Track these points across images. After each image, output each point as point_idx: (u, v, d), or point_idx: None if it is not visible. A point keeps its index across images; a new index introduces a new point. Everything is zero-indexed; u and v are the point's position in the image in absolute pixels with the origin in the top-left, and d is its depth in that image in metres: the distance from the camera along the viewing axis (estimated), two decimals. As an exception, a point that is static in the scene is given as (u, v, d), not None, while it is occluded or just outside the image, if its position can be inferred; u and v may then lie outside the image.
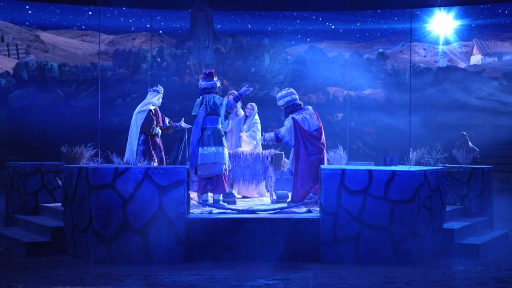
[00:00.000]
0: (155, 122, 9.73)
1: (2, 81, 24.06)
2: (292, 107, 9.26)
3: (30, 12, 25.65)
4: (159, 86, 10.05)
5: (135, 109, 10.03)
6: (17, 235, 8.28)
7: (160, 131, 9.88)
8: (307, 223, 7.37)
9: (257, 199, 10.01)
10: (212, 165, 8.74)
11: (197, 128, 8.90)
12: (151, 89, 9.98)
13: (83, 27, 26.72)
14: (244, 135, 10.25)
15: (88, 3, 23.72)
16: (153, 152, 9.61)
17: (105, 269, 6.80)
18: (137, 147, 9.55)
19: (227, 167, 8.84)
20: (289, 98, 9.28)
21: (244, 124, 10.39)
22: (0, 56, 25.01)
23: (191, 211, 7.84)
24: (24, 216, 9.07)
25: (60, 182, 9.13)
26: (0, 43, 25.13)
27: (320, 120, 9.30)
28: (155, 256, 7.19)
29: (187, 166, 7.55)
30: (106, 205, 7.17)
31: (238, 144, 10.36)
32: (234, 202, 9.24)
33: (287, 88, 9.46)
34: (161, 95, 10.00)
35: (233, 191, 9.58)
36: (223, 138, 8.84)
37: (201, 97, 8.97)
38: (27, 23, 25.88)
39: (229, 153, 10.01)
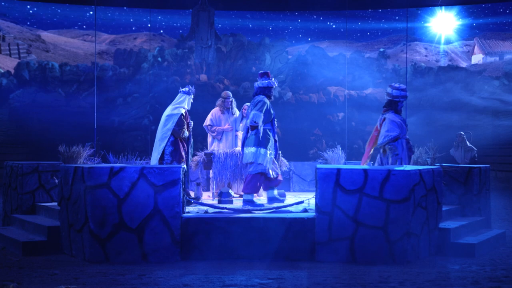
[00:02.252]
0: (185, 125, 9.50)
1: (4, 81, 24.11)
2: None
3: (31, 12, 25.71)
4: (190, 87, 9.65)
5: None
6: (13, 234, 8.30)
7: (187, 133, 9.59)
8: (302, 223, 7.37)
9: (255, 198, 9.99)
10: (249, 165, 8.79)
11: (244, 128, 9.06)
12: (182, 90, 9.61)
13: (84, 26, 26.81)
14: (240, 134, 10.26)
15: (86, 3, 23.73)
16: (182, 153, 9.41)
17: (100, 269, 6.81)
18: (165, 148, 9.38)
19: (264, 167, 8.81)
20: (389, 97, 9.13)
21: (240, 123, 10.40)
22: (1, 56, 25.08)
23: (186, 210, 7.84)
24: (21, 215, 9.09)
25: (57, 182, 9.15)
26: (1, 42, 25.19)
27: (380, 130, 8.93)
28: (151, 256, 7.20)
29: (182, 166, 7.55)
30: (101, 205, 7.17)
31: (235, 143, 10.36)
32: (231, 202, 9.25)
33: (401, 86, 9.12)
34: (192, 97, 9.64)
35: (230, 191, 9.57)
36: (264, 140, 8.78)
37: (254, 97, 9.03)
38: (28, 23, 25.96)
39: (226, 153, 10.03)
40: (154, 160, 9.29)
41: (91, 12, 25.79)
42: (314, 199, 7.66)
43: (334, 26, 26.97)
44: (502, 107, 23.66)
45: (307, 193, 10.28)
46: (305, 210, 8.06)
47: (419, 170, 7.48)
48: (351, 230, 7.19)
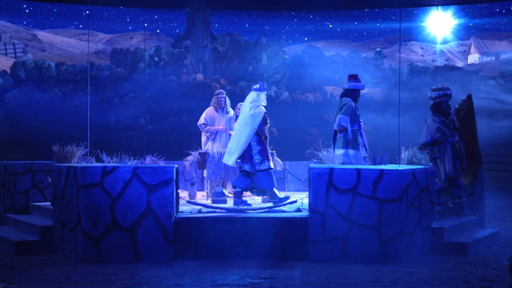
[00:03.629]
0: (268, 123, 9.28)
1: (-1, 80, 24.05)
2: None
3: (27, 11, 25.65)
4: (262, 83, 9.33)
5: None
6: (6, 234, 8.29)
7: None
8: (295, 222, 7.38)
9: (249, 198, 9.98)
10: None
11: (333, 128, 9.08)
12: (254, 87, 9.24)
13: (81, 26, 26.72)
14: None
15: (81, 2, 23.68)
16: (268, 152, 9.07)
17: (92, 268, 6.81)
18: (253, 148, 8.90)
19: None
20: (430, 100, 9.25)
21: (234, 122, 10.39)
22: (-3, 55, 25.00)
23: (180, 209, 7.83)
24: (14, 215, 9.08)
25: (50, 181, 9.13)
26: (-3, 42, 25.13)
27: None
28: (143, 255, 7.20)
29: (175, 165, 7.54)
30: (94, 204, 7.17)
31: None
32: (225, 201, 9.24)
33: (439, 86, 9.21)
34: (265, 92, 9.40)
35: (224, 190, 9.57)
36: (353, 141, 8.83)
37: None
38: (24, 22, 25.88)
39: (220, 152, 10.02)
40: (231, 161, 8.96)
41: (87, 12, 25.73)
42: (307, 198, 7.66)
43: (330, 26, 26.93)
44: (498, 107, 23.63)
45: (302, 193, 10.27)
46: (298, 210, 8.07)
47: (412, 169, 7.48)
48: (344, 229, 7.20)
